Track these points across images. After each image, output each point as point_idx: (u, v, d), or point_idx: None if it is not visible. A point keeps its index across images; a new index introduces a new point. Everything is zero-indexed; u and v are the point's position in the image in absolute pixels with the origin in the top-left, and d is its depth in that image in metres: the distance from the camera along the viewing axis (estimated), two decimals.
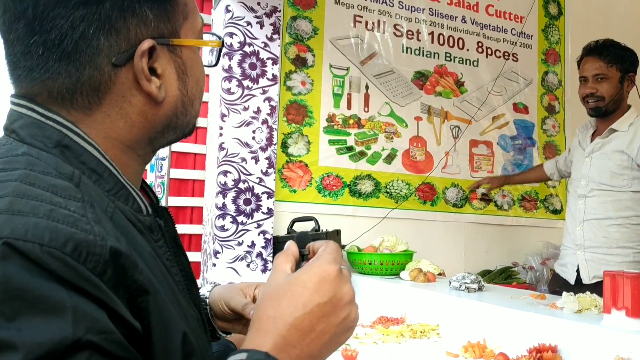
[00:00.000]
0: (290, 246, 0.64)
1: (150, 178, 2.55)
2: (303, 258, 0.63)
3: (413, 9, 3.13)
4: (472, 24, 3.30)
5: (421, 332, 1.79)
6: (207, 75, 2.80)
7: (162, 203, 2.54)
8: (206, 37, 0.69)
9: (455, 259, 3.03)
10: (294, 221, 2.57)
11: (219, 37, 0.70)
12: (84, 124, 0.57)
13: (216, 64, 0.72)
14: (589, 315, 1.52)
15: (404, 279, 2.34)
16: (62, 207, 0.46)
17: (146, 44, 0.57)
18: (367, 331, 1.85)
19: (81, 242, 0.44)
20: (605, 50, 2.09)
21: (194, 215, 2.93)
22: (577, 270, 2.17)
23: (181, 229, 2.85)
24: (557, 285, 2.16)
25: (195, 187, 2.92)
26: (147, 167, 2.77)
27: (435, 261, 2.54)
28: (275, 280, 0.58)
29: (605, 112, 2.12)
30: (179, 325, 0.53)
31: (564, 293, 1.64)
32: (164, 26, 0.59)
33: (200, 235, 2.77)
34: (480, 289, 1.99)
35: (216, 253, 2.38)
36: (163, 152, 2.54)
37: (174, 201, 2.81)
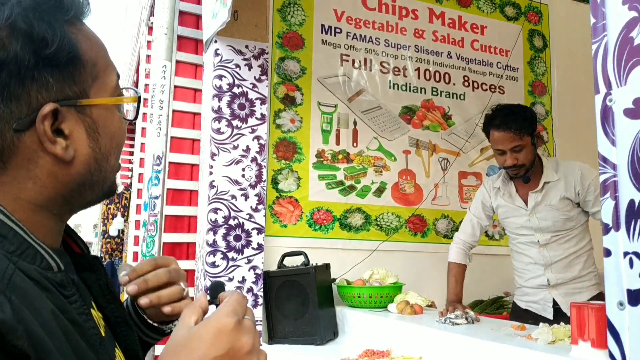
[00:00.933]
0: (200, 297, 0.65)
1: (143, 216, 2.61)
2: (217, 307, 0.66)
3: (399, 46, 3.24)
4: (458, 58, 3.39)
5: None
6: (195, 114, 2.90)
7: (156, 240, 2.61)
8: (126, 92, 0.70)
9: (446, 290, 3.04)
10: (284, 256, 2.62)
11: (137, 92, 0.72)
12: None
13: (135, 118, 0.74)
14: (561, 346, 1.55)
15: (391, 312, 2.38)
16: None
17: (47, 107, 0.58)
18: None
19: None
20: (512, 124, 2.15)
21: (190, 250, 2.99)
22: (553, 305, 2.26)
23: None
24: (526, 319, 2.19)
25: (191, 224, 2.99)
26: (141, 205, 2.86)
27: (426, 292, 2.56)
28: (177, 333, 0.59)
29: (526, 172, 2.24)
30: None
31: (541, 324, 1.68)
32: (69, 89, 0.61)
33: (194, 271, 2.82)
34: (467, 321, 2.02)
35: (207, 290, 2.43)
36: (156, 190, 2.61)
37: (171, 237, 2.87)
